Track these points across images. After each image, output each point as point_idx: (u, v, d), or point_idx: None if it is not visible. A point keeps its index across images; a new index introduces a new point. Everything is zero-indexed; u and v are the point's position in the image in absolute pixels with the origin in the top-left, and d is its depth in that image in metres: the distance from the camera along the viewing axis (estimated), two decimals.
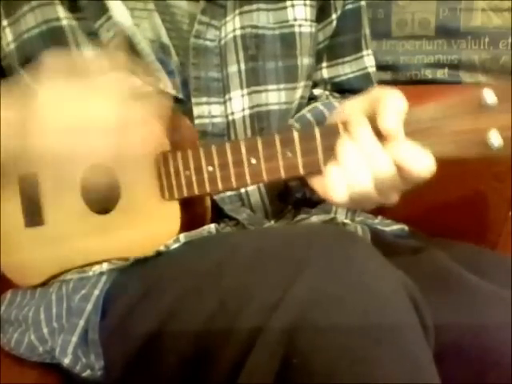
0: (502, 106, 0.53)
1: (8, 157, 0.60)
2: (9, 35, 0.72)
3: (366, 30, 0.87)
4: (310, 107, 0.83)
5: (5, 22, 0.72)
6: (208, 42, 0.73)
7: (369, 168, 0.56)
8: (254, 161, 0.61)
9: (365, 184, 0.56)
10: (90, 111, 0.57)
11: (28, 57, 0.72)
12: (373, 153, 0.56)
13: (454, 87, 1.05)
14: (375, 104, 0.57)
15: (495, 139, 0.53)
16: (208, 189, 0.64)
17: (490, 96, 0.53)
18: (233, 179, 0.63)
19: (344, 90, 0.88)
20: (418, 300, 0.53)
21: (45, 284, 0.74)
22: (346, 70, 0.87)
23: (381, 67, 1.09)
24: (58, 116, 0.57)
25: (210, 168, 0.63)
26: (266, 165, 0.61)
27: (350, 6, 0.84)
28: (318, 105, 0.83)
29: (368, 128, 0.56)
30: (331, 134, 0.59)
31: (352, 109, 0.60)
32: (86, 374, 0.67)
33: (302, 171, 0.60)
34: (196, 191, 0.64)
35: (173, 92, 0.72)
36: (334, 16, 0.83)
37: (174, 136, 0.67)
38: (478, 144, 0.54)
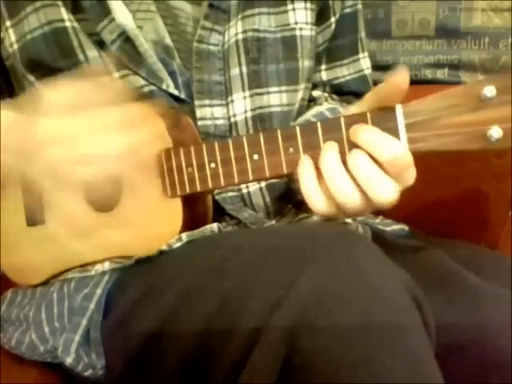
0: (502, 99, 0.53)
1: (9, 163, 0.60)
2: (12, 36, 0.72)
3: (362, 34, 0.88)
4: (315, 112, 0.84)
5: (8, 23, 0.72)
6: (211, 47, 0.73)
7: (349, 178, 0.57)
8: (256, 156, 0.62)
9: (348, 193, 0.57)
10: (94, 123, 0.57)
11: (31, 57, 0.72)
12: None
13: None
14: (374, 97, 0.58)
15: (494, 131, 0.53)
16: (210, 185, 0.64)
17: (489, 88, 0.53)
18: (235, 175, 0.63)
19: (342, 91, 0.89)
20: (419, 299, 0.53)
21: (46, 283, 0.74)
22: (343, 73, 0.88)
23: (381, 67, 1.09)
24: (61, 127, 0.57)
25: (213, 164, 0.63)
26: (268, 160, 0.61)
27: (347, 10, 0.85)
28: (324, 110, 0.83)
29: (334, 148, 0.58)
30: (333, 129, 0.59)
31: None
32: (88, 373, 0.67)
33: None
34: (198, 188, 0.64)
35: (175, 92, 0.72)
36: (332, 19, 0.84)
37: (175, 134, 0.67)
38: (478, 136, 0.54)
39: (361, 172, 0.56)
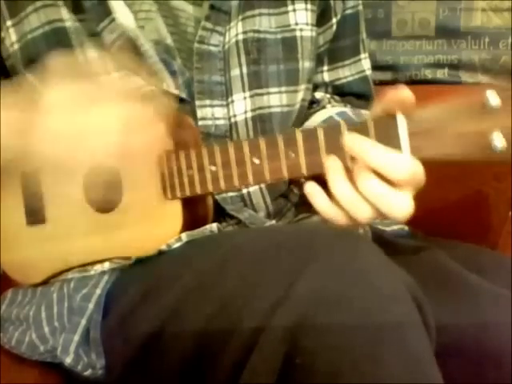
0: (506, 108, 0.52)
1: (9, 156, 0.60)
2: (13, 35, 0.72)
3: (363, 35, 0.89)
4: (324, 116, 0.83)
5: (9, 22, 0.72)
6: (212, 48, 0.74)
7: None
8: (256, 161, 0.61)
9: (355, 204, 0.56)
10: (95, 113, 0.57)
11: (32, 57, 0.72)
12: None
13: (454, 87, 1.05)
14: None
15: (498, 141, 0.53)
16: (210, 188, 0.64)
17: (493, 98, 0.52)
18: (235, 179, 0.63)
19: (344, 92, 0.89)
20: (420, 299, 0.53)
21: (46, 282, 0.74)
22: (345, 73, 0.88)
23: (381, 67, 1.10)
24: (62, 117, 0.57)
25: (213, 167, 0.63)
26: (268, 165, 0.61)
27: (349, 11, 0.86)
28: (334, 115, 0.83)
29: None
30: (334, 134, 0.58)
31: None
32: (88, 373, 0.67)
33: (305, 171, 0.60)
34: (198, 190, 0.64)
35: (175, 92, 0.72)
36: (334, 20, 0.84)
37: (176, 135, 0.67)
38: (481, 146, 0.53)
39: (375, 194, 0.55)
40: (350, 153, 0.56)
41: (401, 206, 0.55)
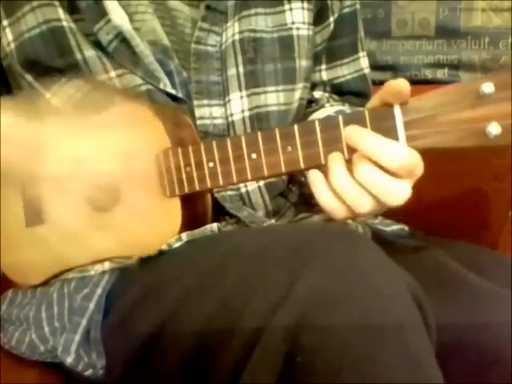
0: (500, 95, 0.53)
1: (9, 165, 0.60)
2: (9, 35, 0.72)
3: (361, 33, 0.89)
4: (323, 116, 0.83)
5: (5, 22, 0.72)
6: (209, 48, 0.74)
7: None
8: (254, 156, 0.62)
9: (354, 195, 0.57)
10: (93, 140, 0.58)
11: (28, 57, 0.72)
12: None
13: None
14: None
15: (493, 128, 0.53)
16: (209, 184, 0.64)
17: (487, 85, 0.53)
18: (234, 174, 0.63)
19: (342, 91, 0.89)
20: (420, 299, 0.53)
21: (46, 283, 0.74)
22: (344, 72, 0.88)
23: (381, 67, 1.10)
24: (61, 133, 0.58)
25: (211, 163, 0.63)
26: (266, 159, 0.61)
27: (346, 10, 0.86)
28: (331, 113, 0.83)
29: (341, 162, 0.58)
30: (331, 128, 0.59)
31: None
32: (88, 372, 0.67)
33: (302, 165, 0.60)
34: (197, 187, 0.64)
35: (172, 91, 0.72)
36: (331, 19, 0.84)
37: (174, 134, 0.67)
38: (476, 133, 0.54)
39: (373, 183, 0.56)
40: (348, 142, 0.57)
41: (399, 193, 0.56)
